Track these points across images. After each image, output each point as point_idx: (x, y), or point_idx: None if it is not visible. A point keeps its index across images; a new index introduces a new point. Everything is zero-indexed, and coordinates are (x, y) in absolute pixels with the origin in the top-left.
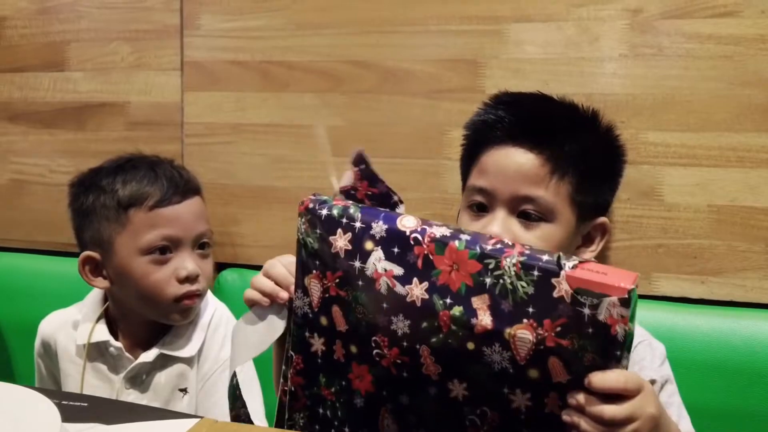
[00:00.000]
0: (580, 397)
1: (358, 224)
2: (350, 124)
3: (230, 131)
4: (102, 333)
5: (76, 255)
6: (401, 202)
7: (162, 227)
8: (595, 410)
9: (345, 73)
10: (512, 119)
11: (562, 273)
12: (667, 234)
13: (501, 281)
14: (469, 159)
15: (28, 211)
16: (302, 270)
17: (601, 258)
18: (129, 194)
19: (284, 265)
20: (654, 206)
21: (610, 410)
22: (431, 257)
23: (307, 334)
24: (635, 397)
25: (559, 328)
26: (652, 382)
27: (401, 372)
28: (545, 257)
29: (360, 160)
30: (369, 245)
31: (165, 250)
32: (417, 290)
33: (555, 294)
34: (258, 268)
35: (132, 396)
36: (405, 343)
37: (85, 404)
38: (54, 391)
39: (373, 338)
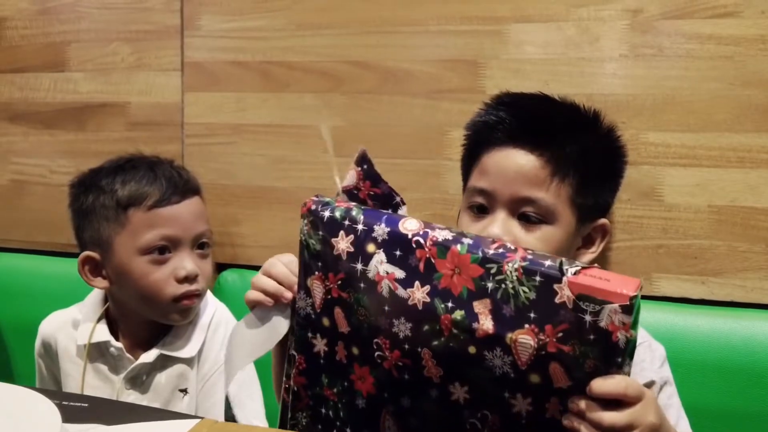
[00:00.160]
0: (581, 403)
1: (360, 226)
2: (350, 124)
3: (230, 132)
4: (103, 333)
5: (76, 255)
6: (403, 203)
7: (161, 227)
8: (595, 416)
9: (345, 74)
10: (513, 120)
11: (564, 279)
12: (667, 234)
13: (503, 286)
14: (470, 159)
15: (29, 211)
16: (305, 271)
17: (602, 258)
18: (128, 194)
19: (285, 264)
20: (654, 207)
21: (609, 417)
22: (433, 261)
23: (309, 334)
24: (636, 404)
25: (560, 334)
26: (652, 383)
27: (402, 374)
28: (548, 263)
29: (363, 160)
30: (371, 248)
31: (164, 249)
32: (419, 294)
33: (557, 300)
34: (258, 268)
35: (132, 396)
36: (406, 346)
37: (86, 405)
38: (54, 391)
39: (375, 340)
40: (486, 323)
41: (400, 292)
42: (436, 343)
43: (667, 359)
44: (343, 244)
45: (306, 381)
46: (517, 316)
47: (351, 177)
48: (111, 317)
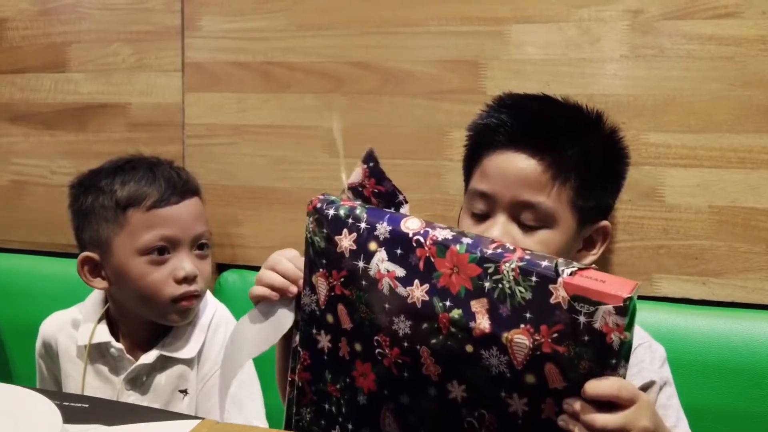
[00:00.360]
0: (575, 404)
1: (363, 225)
2: (351, 125)
3: (231, 132)
4: (103, 334)
5: (76, 256)
6: (406, 201)
7: (160, 228)
8: (588, 418)
9: (346, 74)
10: (514, 123)
11: (560, 280)
12: (668, 235)
13: (500, 286)
14: (471, 161)
15: (29, 212)
16: (310, 268)
17: (603, 259)
18: (127, 195)
19: (289, 259)
20: (655, 207)
21: (602, 418)
22: (432, 260)
23: (314, 331)
24: (629, 407)
25: (555, 335)
26: (652, 383)
27: (402, 372)
28: (544, 263)
29: (369, 158)
30: (373, 246)
31: (163, 250)
32: (418, 292)
33: (552, 300)
34: (258, 269)
35: (132, 397)
36: (406, 344)
37: (86, 405)
38: (55, 392)
39: (375, 338)
40: (483, 322)
41: (400, 290)
42: (434, 341)
43: (668, 360)
44: (346, 242)
45: (310, 377)
46: (513, 315)
47: (357, 174)
48: (111, 318)
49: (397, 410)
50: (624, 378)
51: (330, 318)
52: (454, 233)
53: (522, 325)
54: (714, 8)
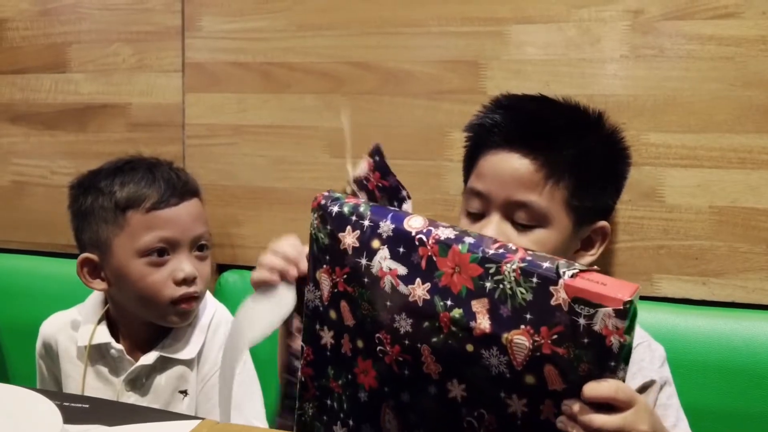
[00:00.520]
0: (574, 406)
1: (366, 222)
2: (351, 125)
3: (231, 132)
4: (103, 335)
5: (76, 256)
6: (409, 197)
7: (159, 229)
8: (585, 419)
9: (346, 75)
10: (509, 123)
11: (561, 281)
12: (668, 235)
13: (501, 286)
14: (470, 161)
15: (29, 212)
16: (314, 264)
17: (603, 259)
18: (126, 196)
19: (290, 244)
20: (655, 207)
21: (599, 420)
22: (434, 259)
23: (317, 326)
24: (627, 410)
25: (555, 336)
26: (652, 382)
27: (403, 370)
28: (545, 264)
29: (376, 152)
30: (376, 243)
31: (162, 252)
32: (419, 290)
33: (553, 302)
34: None
35: (132, 398)
36: (407, 342)
37: (86, 405)
38: (55, 392)
39: (377, 335)
40: (483, 322)
41: (402, 288)
42: (435, 340)
43: (669, 360)
44: (349, 239)
45: (313, 372)
46: (514, 316)
47: (363, 167)
48: (111, 319)
49: (398, 408)
50: (623, 381)
51: (333, 314)
52: (457, 232)
53: (522, 326)
54: (714, 8)
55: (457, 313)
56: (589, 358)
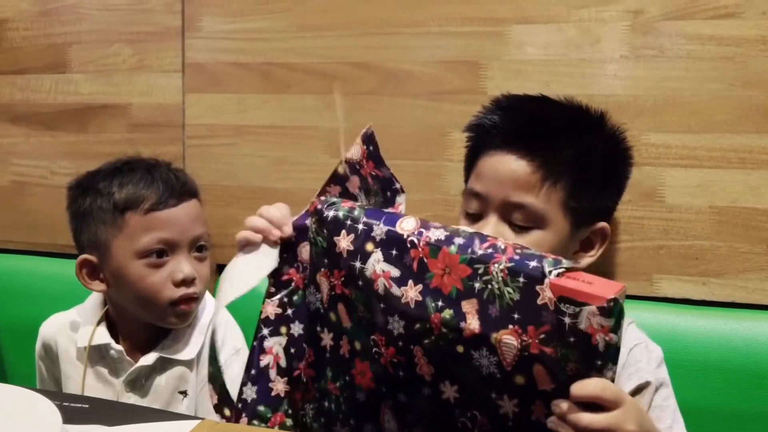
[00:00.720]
0: (563, 405)
1: (360, 226)
2: (351, 125)
3: (231, 133)
4: (103, 336)
5: (76, 257)
6: (403, 191)
7: (158, 230)
8: (573, 417)
9: (346, 75)
10: (508, 125)
11: (546, 281)
12: (668, 235)
13: (489, 286)
14: (469, 162)
15: (29, 212)
16: (313, 267)
17: (603, 260)
18: (125, 197)
19: (277, 208)
20: (655, 207)
21: (587, 418)
22: (425, 260)
23: (318, 328)
24: (614, 409)
25: (542, 336)
26: (647, 383)
27: (398, 371)
28: (532, 264)
29: (369, 141)
30: (370, 247)
31: (161, 253)
32: (411, 292)
33: (539, 301)
34: None
35: (132, 399)
36: (400, 343)
37: (86, 406)
38: (55, 392)
39: (372, 337)
40: (473, 323)
41: (395, 290)
42: (426, 341)
43: (669, 360)
44: (344, 242)
45: (314, 374)
46: (502, 316)
47: (356, 152)
48: (111, 320)
49: (396, 407)
50: (612, 380)
51: (333, 316)
52: (448, 233)
53: (510, 326)
54: (714, 8)
55: (447, 314)
56: (576, 357)
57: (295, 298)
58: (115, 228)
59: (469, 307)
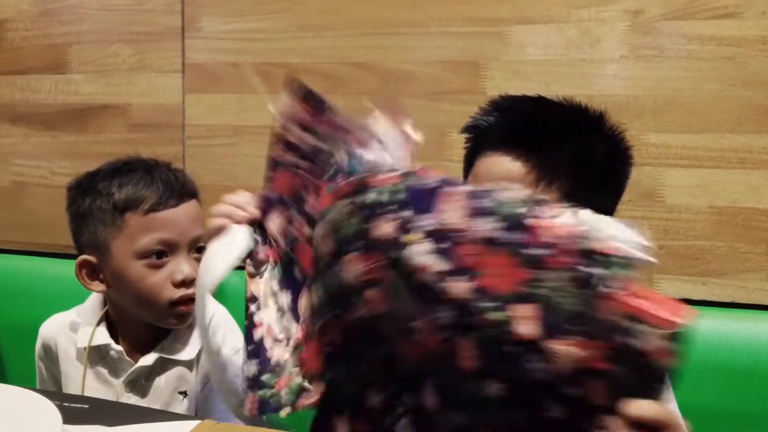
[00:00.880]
0: (611, 421)
1: (405, 212)
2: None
3: (232, 133)
4: (103, 336)
5: (76, 257)
6: (371, 128)
7: (158, 231)
8: None
9: (346, 75)
10: (504, 126)
11: (615, 296)
12: (668, 235)
13: (551, 293)
14: (468, 163)
15: (29, 213)
16: (338, 250)
17: None
18: (125, 198)
19: (239, 194)
20: (655, 207)
21: None
22: (479, 258)
23: (343, 306)
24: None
25: (603, 351)
26: None
27: (437, 359)
28: (597, 271)
29: (311, 96)
30: (414, 236)
31: (161, 254)
32: (459, 288)
33: (604, 315)
34: None
35: (132, 400)
36: (442, 336)
37: (86, 406)
38: (55, 392)
39: (410, 324)
40: (527, 328)
41: (441, 284)
42: (472, 338)
43: None
44: (384, 228)
45: (340, 344)
46: (562, 325)
47: (292, 109)
48: (110, 320)
49: (436, 389)
50: (665, 402)
51: (362, 298)
52: (502, 225)
53: (570, 337)
54: (714, 9)
55: (499, 315)
56: (634, 377)
57: (276, 271)
58: (115, 228)
59: (524, 311)
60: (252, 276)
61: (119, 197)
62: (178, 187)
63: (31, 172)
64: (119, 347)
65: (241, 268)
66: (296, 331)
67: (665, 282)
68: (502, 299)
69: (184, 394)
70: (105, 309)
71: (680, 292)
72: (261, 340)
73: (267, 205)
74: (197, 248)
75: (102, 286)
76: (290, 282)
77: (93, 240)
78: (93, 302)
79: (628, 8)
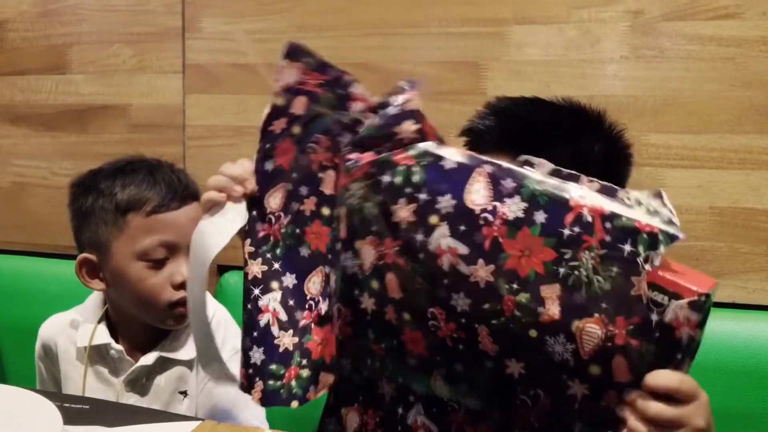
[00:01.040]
0: (634, 394)
1: (423, 195)
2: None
3: (232, 133)
4: (103, 336)
5: (76, 258)
6: (356, 81)
7: (159, 233)
8: (642, 404)
9: None
10: (500, 128)
11: (643, 272)
12: None
13: (576, 273)
14: None
15: (30, 213)
16: (352, 233)
17: None
18: (127, 198)
19: (239, 165)
20: None
21: (655, 407)
22: (501, 240)
23: (355, 291)
24: (688, 403)
25: (630, 327)
26: None
27: (457, 345)
28: (627, 248)
29: (298, 53)
30: (434, 219)
31: (162, 260)
32: (482, 272)
33: (633, 292)
34: None
35: (132, 399)
36: (463, 320)
37: (87, 406)
38: (55, 393)
39: (430, 309)
40: (552, 309)
41: (462, 267)
42: (495, 322)
43: None
44: (403, 212)
45: (352, 331)
46: (588, 304)
47: (291, 74)
48: (111, 319)
49: (450, 376)
50: (687, 374)
51: (375, 284)
52: (525, 206)
53: (596, 315)
54: (714, 9)
55: (523, 297)
56: (659, 350)
57: (278, 251)
58: (116, 228)
59: (549, 292)
60: (252, 256)
61: (122, 198)
62: (180, 189)
63: (32, 172)
64: (119, 346)
65: (237, 267)
66: (301, 317)
67: None
68: (526, 281)
69: (184, 393)
70: (105, 308)
71: None
72: (267, 326)
73: (264, 178)
74: None
75: (101, 285)
76: (293, 262)
77: (94, 239)
78: (93, 301)
79: (629, 9)
